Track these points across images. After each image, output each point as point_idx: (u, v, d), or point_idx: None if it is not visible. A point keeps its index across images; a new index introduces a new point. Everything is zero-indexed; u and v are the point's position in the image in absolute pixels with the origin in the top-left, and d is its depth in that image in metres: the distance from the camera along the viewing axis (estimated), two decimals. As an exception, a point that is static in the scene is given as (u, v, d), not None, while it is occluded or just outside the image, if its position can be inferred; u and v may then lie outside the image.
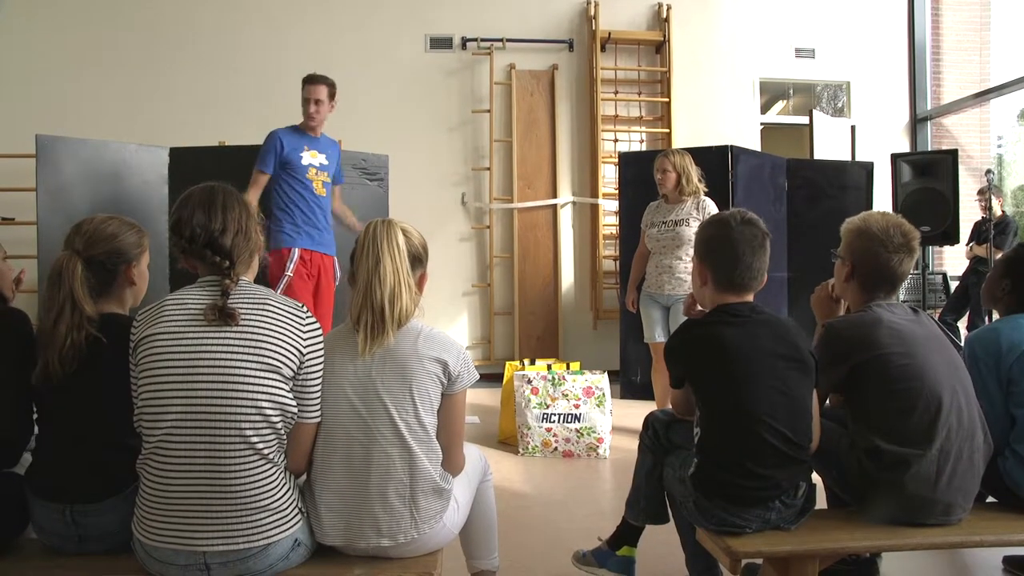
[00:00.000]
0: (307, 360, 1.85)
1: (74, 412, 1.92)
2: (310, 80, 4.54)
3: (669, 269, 4.53)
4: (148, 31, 6.97)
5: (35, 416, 2.03)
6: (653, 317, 4.63)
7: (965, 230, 6.72)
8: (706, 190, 4.62)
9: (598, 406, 4.38)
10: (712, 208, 4.51)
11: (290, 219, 4.41)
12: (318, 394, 1.89)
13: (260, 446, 1.76)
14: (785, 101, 8.75)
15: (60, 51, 6.69)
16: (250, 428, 1.75)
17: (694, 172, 4.58)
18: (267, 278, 4.21)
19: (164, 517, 1.76)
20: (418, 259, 2.04)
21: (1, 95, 6.68)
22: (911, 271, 2.37)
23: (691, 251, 4.36)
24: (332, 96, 4.58)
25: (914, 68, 7.94)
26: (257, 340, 1.78)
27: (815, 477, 2.21)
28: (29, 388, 1.98)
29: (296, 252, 4.36)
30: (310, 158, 4.48)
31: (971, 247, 6.98)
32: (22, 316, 2.12)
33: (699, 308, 2.37)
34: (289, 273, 4.32)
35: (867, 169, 6.70)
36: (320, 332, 1.89)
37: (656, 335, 4.62)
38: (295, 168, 4.42)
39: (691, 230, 4.45)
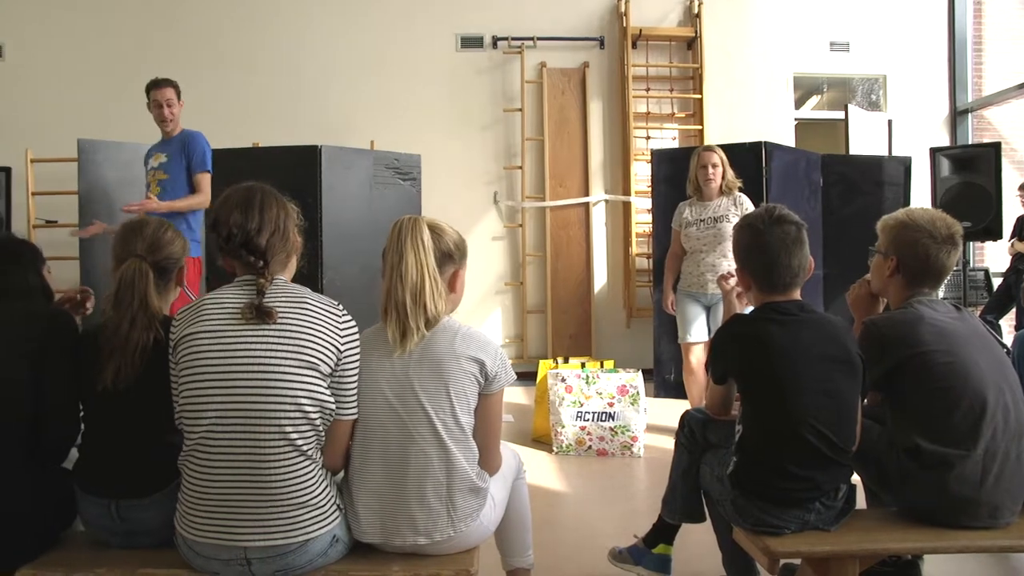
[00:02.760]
0: (344, 357, 1.86)
1: (123, 410, 1.97)
2: (155, 85, 4.59)
3: (713, 268, 4.45)
4: (184, 35, 7.06)
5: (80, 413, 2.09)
6: (689, 316, 4.56)
7: (1009, 225, 6.59)
8: (740, 185, 4.58)
9: (632, 404, 4.36)
10: (748, 204, 4.47)
11: None
12: (355, 391, 1.90)
13: (299, 443, 1.78)
14: (819, 96, 8.64)
15: (100, 56, 6.81)
16: (290, 425, 1.77)
17: (730, 168, 4.56)
18: None
19: (206, 513, 1.78)
20: (449, 257, 2.03)
21: (45, 101, 6.81)
22: (954, 267, 2.33)
23: (723, 243, 4.36)
24: (179, 96, 4.65)
25: (954, 58, 7.78)
26: (295, 338, 1.79)
27: (854, 477, 2.19)
28: (76, 386, 2.03)
29: None
30: (153, 162, 4.60)
31: (1012, 244, 6.84)
32: (68, 317, 2.19)
33: (731, 284, 2.34)
34: None
35: (904, 164, 6.59)
36: (356, 330, 1.91)
37: (690, 335, 4.56)
38: (144, 175, 4.61)
39: (731, 225, 4.40)
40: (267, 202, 1.93)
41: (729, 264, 4.43)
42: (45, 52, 6.97)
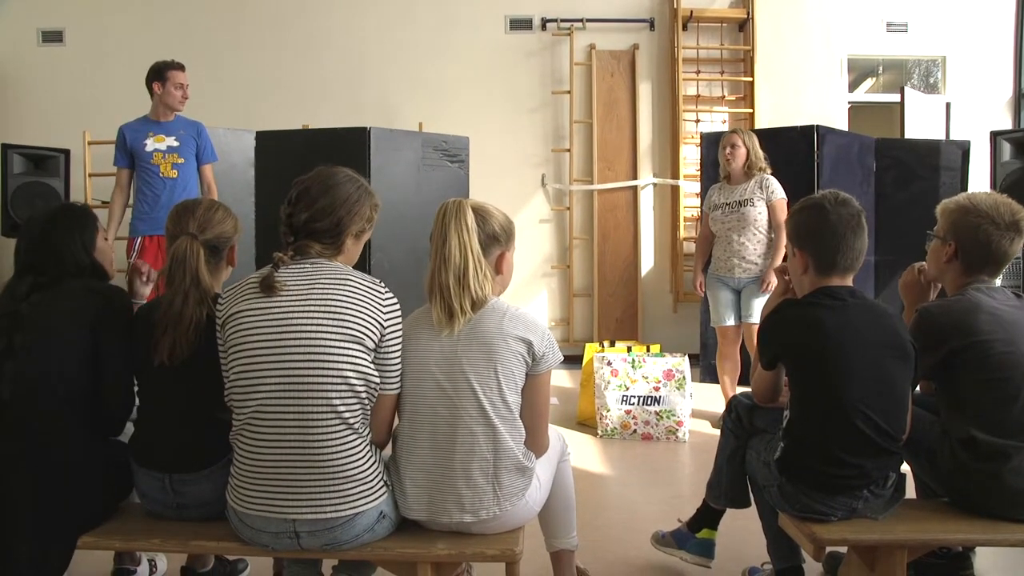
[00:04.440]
0: (387, 332, 1.89)
1: (176, 386, 2.02)
2: (180, 67, 4.57)
3: (738, 252, 4.43)
4: (236, 18, 7.16)
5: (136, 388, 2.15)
6: (721, 300, 4.54)
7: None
8: (770, 171, 4.52)
9: (678, 389, 4.34)
10: (775, 186, 4.43)
11: (138, 208, 4.55)
12: (398, 366, 1.93)
13: (347, 417, 1.82)
14: (874, 78, 8.43)
15: (149, 38, 6.92)
16: (338, 399, 1.80)
17: (761, 154, 4.50)
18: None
19: (256, 486, 1.83)
20: (495, 239, 2.04)
21: (102, 84, 6.96)
22: (1016, 254, 2.26)
23: (758, 232, 4.34)
24: None
25: (1021, 37, 7.49)
26: (340, 313, 1.83)
27: (904, 467, 2.15)
28: (132, 361, 2.09)
29: (139, 241, 4.49)
30: (155, 143, 4.53)
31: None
32: (123, 293, 2.25)
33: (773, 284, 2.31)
34: (130, 261, 4.39)
35: (963, 148, 6.40)
36: (399, 306, 1.93)
37: (725, 319, 4.53)
38: (140, 156, 4.52)
39: (755, 210, 4.39)
40: (326, 187, 1.96)
41: (754, 248, 4.38)
42: (103, 37, 7.12)
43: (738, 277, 4.45)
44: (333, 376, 1.80)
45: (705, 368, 6.07)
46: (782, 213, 4.29)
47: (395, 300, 1.93)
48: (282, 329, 1.81)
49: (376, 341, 1.87)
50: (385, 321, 1.88)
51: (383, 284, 1.93)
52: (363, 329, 1.84)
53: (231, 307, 1.88)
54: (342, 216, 1.95)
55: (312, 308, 1.83)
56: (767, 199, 4.39)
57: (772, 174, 4.51)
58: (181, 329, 1.98)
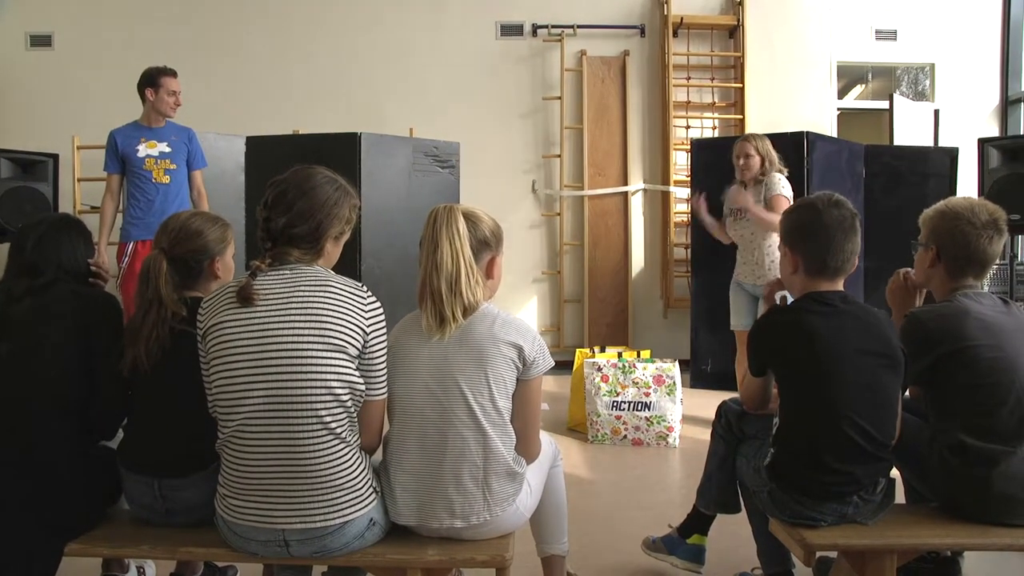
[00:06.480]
0: (371, 339, 1.86)
1: (163, 396, 2.01)
2: (172, 73, 4.59)
3: (752, 259, 4.42)
4: (227, 24, 7.14)
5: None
6: (740, 304, 4.54)
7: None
8: (783, 171, 4.49)
9: (668, 395, 4.35)
10: (775, 180, 4.33)
11: (130, 213, 4.55)
12: (383, 372, 1.92)
13: (333, 425, 1.80)
14: (864, 85, 8.47)
15: (139, 42, 6.90)
16: (323, 408, 1.78)
17: (775, 156, 4.47)
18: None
19: (244, 496, 1.82)
20: (486, 244, 2.04)
21: (91, 89, 6.93)
22: (999, 257, 2.27)
23: (769, 237, 4.29)
24: None
25: (1008, 45, 7.55)
26: (321, 321, 1.80)
27: (894, 472, 2.16)
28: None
29: (131, 245, 4.48)
30: (147, 149, 4.53)
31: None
32: (114, 300, 2.24)
33: (780, 294, 2.32)
34: (123, 266, 4.46)
35: (951, 155, 6.44)
36: (382, 311, 1.90)
37: (743, 323, 4.53)
38: (132, 162, 4.52)
39: None
40: (303, 190, 1.92)
41: (764, 255, 4.36)
42: (92, 41, 7.09)
43: (755, 283, 4.43)
44: (317, 386, 1.78)
45: (695, 374, 6.08)
46: (778, 209, 4.13)
47: (378, 305, 1.90)
48: (263, 340, 1.78)
49: (359, 348, 1.85)
50: (368, 327, 1.86)
51: (365, 289, 1.90)
52: (345, 337, 1.81)
53: (210, 318, 1.85)
54: (321, 220, 1.92)
55: (292, 317, 1.80)
56: (764, 196, 4.30)
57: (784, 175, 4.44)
58: (139, 345, 1.97)
